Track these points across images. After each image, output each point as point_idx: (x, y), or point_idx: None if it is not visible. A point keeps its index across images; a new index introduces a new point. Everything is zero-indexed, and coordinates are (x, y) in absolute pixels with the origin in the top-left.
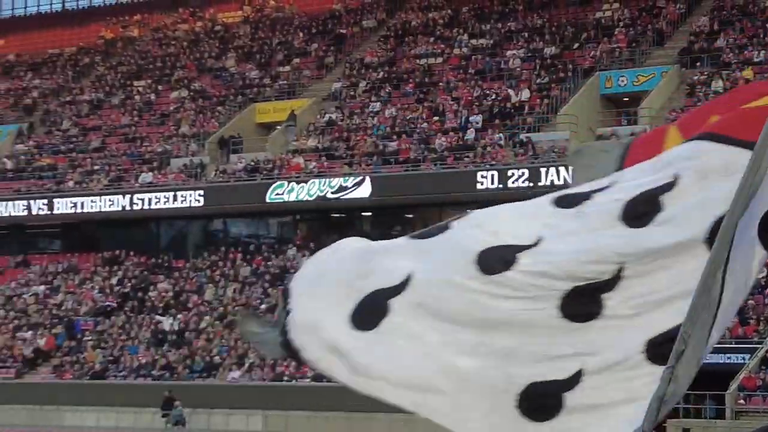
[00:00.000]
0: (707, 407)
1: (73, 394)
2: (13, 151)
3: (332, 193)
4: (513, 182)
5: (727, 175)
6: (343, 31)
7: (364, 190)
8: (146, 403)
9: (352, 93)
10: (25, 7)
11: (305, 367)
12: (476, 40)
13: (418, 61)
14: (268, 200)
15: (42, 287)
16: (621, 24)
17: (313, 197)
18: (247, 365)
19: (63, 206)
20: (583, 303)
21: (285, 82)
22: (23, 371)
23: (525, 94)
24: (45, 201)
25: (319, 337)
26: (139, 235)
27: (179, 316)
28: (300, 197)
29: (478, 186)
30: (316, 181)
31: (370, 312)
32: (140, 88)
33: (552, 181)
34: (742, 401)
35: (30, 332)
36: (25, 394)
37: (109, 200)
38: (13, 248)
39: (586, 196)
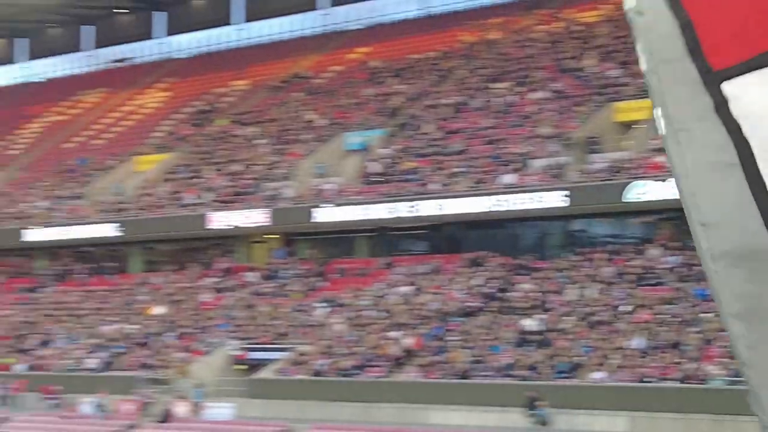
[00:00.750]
0: None
1: (439, 393)
2: (378, 155)
3: None
4: None
5: None
6: None
7: None
8: (510, 402)
9: None
10: (389, 15)
11: (671, 368)
12: None
13: None
14: (628, 199)
15: (408, 288)
16: None
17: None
18: (611, 366)
19: (427, 209)
20: None
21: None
22: (392, 370)
23: None
24: (410, 204)
25: None
26: (501, 236)
27: (541, 316)
28: (662, 196)
29: None
30: None
31: None
32: (500, 90)
33: None
34: None
35: (397, 332)
36: (394, 392)
37: (472, 202)
38: (379, 250)
39: None
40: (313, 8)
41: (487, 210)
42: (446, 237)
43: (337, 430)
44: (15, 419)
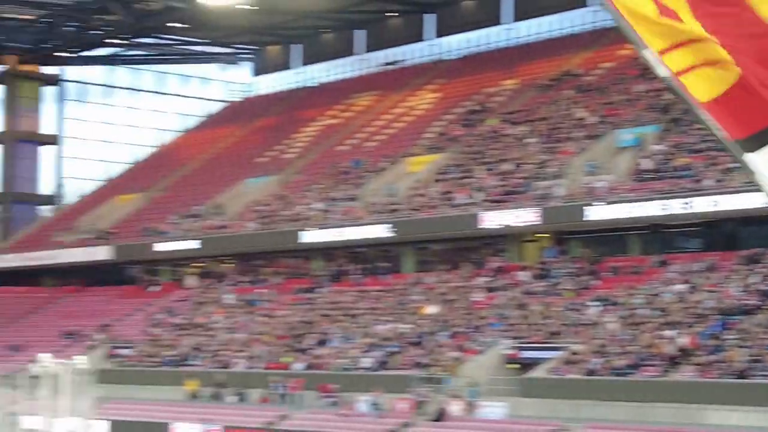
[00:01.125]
0: None
1: (716, 393)
2: (651, 151)
3: None
4: None
5: None
6: None
7: None
8: None
9: None
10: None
11: None
12: None
13: None
14: None
15: (682, 286)
16: None
17: None
18: None
19: (701, 205)
20: None
21: None
22: (667, 369)
23: None
24: (683, 200)
25: None
26: None
27: None
28: None
29: None
30: None
31: None
32: None
33: None
34: None
35: (672, 331)
36: (669, 392)
37: (749, 198)
38: (652, 248)
39: None
40: (583, 5)
41: (765, 206)
42: (722, 234)
43: (612, 430)
44: (294, 416)
